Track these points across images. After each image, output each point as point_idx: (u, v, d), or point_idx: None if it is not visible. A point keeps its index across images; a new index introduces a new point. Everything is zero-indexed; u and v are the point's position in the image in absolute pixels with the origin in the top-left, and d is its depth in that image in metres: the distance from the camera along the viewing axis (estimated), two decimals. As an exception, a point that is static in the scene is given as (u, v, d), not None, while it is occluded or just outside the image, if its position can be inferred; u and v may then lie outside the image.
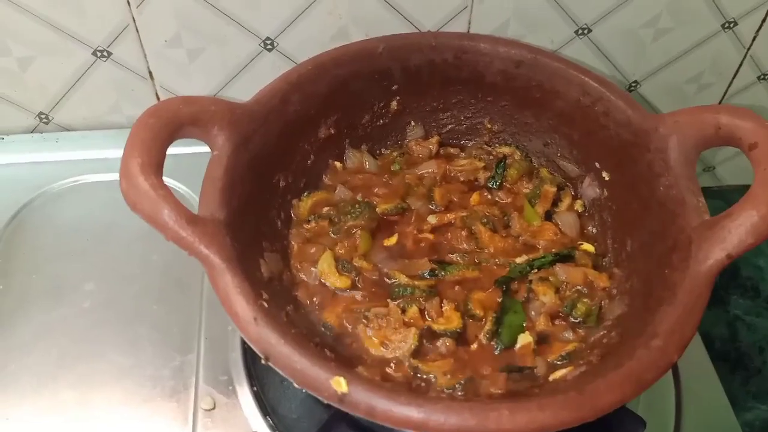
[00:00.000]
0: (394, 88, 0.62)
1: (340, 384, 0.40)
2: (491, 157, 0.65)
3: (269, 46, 0.69)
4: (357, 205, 0.58)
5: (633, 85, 0.78)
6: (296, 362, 0.41)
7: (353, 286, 0.55)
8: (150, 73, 0.71)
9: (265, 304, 0.44)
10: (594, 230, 0.59)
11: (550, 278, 0.55)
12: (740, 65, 0.77)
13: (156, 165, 0.44)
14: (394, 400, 0.40)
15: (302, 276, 0.55)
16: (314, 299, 0.54)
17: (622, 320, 0.50)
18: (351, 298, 0.54)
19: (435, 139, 0.65)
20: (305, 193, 0.59)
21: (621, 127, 0.56)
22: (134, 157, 0.44)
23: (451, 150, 0.66)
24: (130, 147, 0.44)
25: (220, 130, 0.50)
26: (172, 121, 0.47)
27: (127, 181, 0.43)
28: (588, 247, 0.58)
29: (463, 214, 0.60)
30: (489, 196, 0.62)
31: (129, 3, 0.64)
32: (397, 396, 0.40)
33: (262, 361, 0.42)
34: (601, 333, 0.51)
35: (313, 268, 0.55)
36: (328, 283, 0.55)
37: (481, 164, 0.64)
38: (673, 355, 0.43)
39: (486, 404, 0.40)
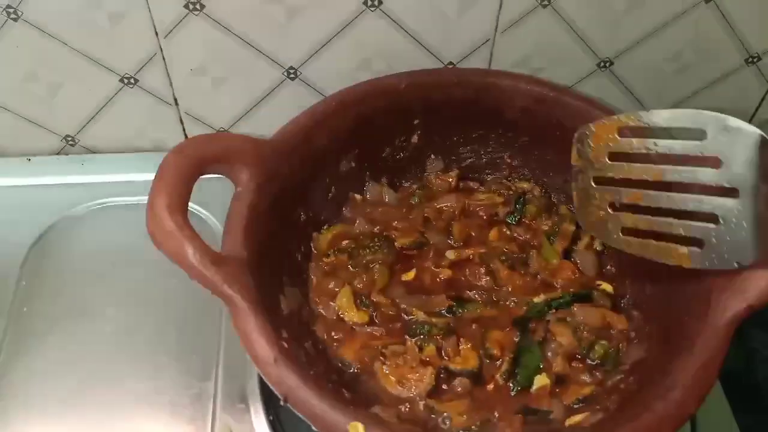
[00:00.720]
0: (415, 122, 0.62)
1: (357, 429, 0.41)
2: (511, 192, 0.65)
3: (292, 75, 0.70)
4: (376, 239, 0.59)
5: (654, 117, 0.78)
6: (315, 406, 0.42)
7: (371, 322, 0.55)
8: (175, 99, 0.72)
9: (285, 344, 0.45)
10: (613, 270, 0.59)
11: (568, 319, 0.55)
12: (762, 100, 0.77)
13: (182, 205, 0.45)
14: (412, 449, 0.40)
15: (321, 310, 0.56)
16: (332, 334, 0.54)
17: (641, 365, 0.50)
18: (369, 334, 0.54)
19: (455, 172, 0.65)
20: (325, 227, 0.60)
21: (642, 169, 0.56)
22: (161, 197, 0.45)
23: (471, 184, 0.66)
24: (156, 186, 0.45)
25: (245, 167, 0.51)
26: (198, 159, 0.48)
27: (154, 221, 0.44)
28: (607, 286, 0.58)
29: (482, 250, 0.60)
30: (508, 232, 0.62)
31: (157, 33, 0.65)
32: (415, 444, 0.41)
33: (281, 402, 0.43)
34: (619, 378, 0.51)
35: (331, 303, 0.56)
36: (346, 318, 0.55)
37: (501, 199, 0.64)
38: (691, 408, 0.43)
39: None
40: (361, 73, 0.71)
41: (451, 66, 0.71)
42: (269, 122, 0.73)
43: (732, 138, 0.44)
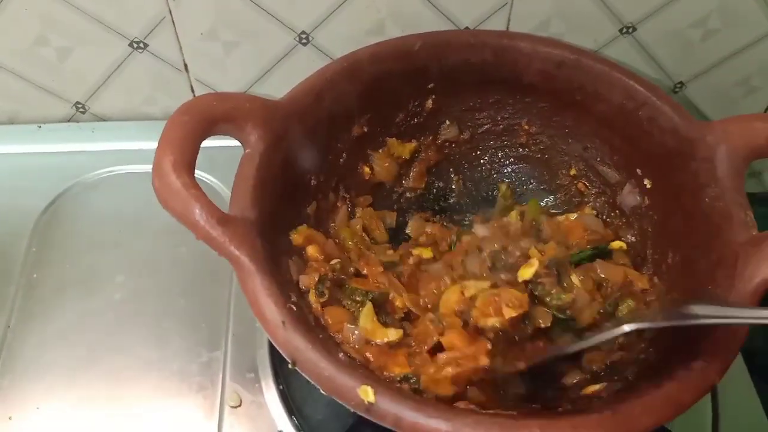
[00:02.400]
0: (429, 86, 0.60)
1: (367, 393, 0.40)
2: None
3: (304, 41, 0.69)
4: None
5: (678, 86, 0.76)
6: (323, 369, 0.41)
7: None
8: (185, 65, 0.71)
9: (294, 308, 0.44)
10: (633, 239, 0.58)
11: (591, 274, 0.53)
12: (790, 68, 0.74)
13: (188, 163, 0.44)
14: (422, 412, 0.39)
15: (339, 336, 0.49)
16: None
17: (661, 336, 0.49)
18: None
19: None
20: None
21: (666, 134, 0.54)
22: (167, 155, 0.43)
23: None
24: (163, 144, 0.44)
25: (254, 128, 0.49)
26: (206, 118, 0.46)
27: (159, 179, 0.43)
28: (620, 243, 0.57)
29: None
30: None
31: (166, -5, 0.64)
32: (425, 408, 0.39)
33: (290, 366, 0.42)
34: (640, 347, 0.49)
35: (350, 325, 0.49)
36: (378, 341, 0.48)
37: None
38: (714, 378, 0.41)
39: (516, 420, 0.39)
40: (374, 38, 0.68)
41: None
42: (280, 90, 0.72)
43: None
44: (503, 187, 0.65)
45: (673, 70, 0.74)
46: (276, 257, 0.47)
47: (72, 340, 0.59)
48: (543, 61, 0.58)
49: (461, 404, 0.44)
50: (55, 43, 0.67)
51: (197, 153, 0.45)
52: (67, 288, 0.62)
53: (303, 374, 0.42)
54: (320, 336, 0.43)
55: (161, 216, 0.45)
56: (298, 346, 0.41)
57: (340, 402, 0.41)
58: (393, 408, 0.39)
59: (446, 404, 0.42)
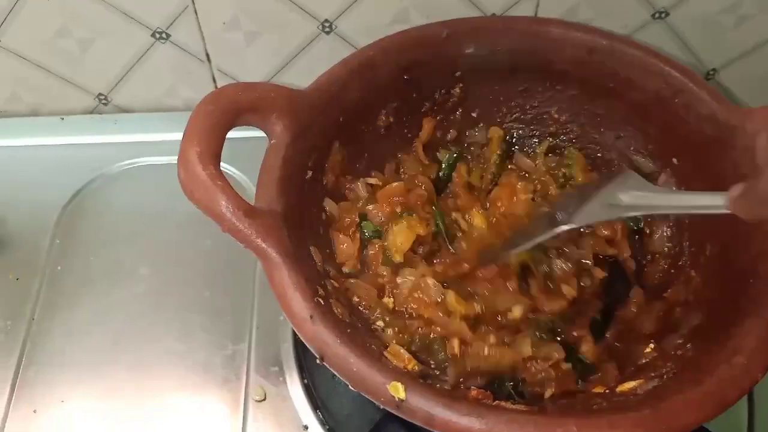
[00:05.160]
0: (457, 74, 0.59)
1: (397, 390, 0.39)
2: None
3: (327, 29, 0.67)
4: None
5: (711, 73, 0.74)
6: (352, 364, 0.40)
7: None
8: (207, 55, 0.70)
9: (321, 301, 0.43)
10: (668, 231, 0.56)
11: None
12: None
13: (214, 154, 0.43)
14: (455, 410, 0.38)
15: None
16: None
17: (699, 331, 0.47)
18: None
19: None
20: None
21: (704, 122, 0.52)
22: (193, 146, 0.43)
23: None
24: (188, 135, 0.43)
25: (279, 118, 0.48)
26: (231, 108, 0.46)
27: (185, 171, 0.42)
28: None
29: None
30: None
31: (188, -17, 0.63)
32: (457, 405, 0.38)
33: (318, 361, 0.41)
34: (676, 343, 0.47)
35: None
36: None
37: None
38: (756, 374, 0.40)
39: (553, 419, 0.38)
40: (398, 26, 0.67)
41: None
42: (303, 80, 0.71)
43: None
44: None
45: (706, 57, 0.72)
46: (301, 246, 0.47)
47: (96, 332, 0.59)
48: (574, 48, 0.56)
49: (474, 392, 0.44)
50: (76, 35, 0.67)
51: (223, 144, 0.44)
52: (91, 280, 0.62)
53: (331, 369, 0.41)
54: (348, 330, 0.42)
55: (184, 207, 0.44)
56: (326, 340, 0.40)
57: (369, 398, 0.40)
58: (424, 405, 0.38)
59: (479, 401, 0.41)
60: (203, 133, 0.43)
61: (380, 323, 0.51)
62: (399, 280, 0.52)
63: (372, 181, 0.57)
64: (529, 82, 0.60)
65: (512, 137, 0.63)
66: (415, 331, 0.51)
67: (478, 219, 0.56)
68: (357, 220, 0.55)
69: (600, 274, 0.55)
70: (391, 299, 0.52)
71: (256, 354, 0.58)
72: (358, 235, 0.54)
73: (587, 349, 0.50)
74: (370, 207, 0.55)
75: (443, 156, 0.61)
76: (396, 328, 0.50)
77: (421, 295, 0.51)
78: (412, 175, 0.58)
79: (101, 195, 0.68)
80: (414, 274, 0.52)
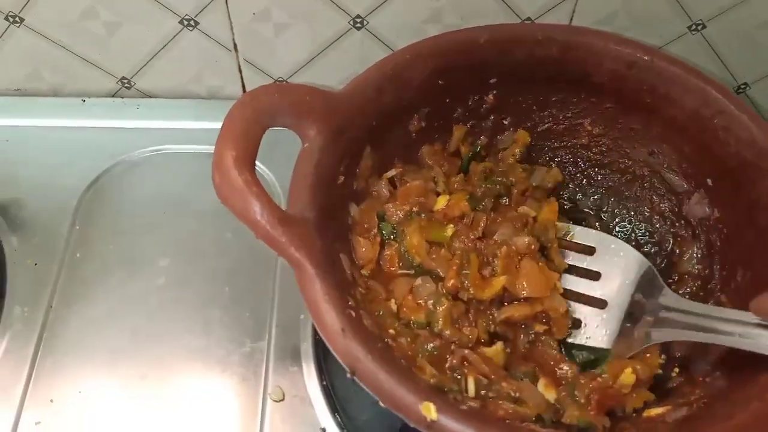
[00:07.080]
0: (491, 81, 0.58)
1: (429, 410, 0.38)
2: None
3: (358, 25, 0.66)
4: None
5: (742, 87, 0.73)
6: (383, 381, 0.39)
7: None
8: (235, 45, 0.68)
9: (352, 313, 0.42)
10: (699, 253, 0.55)
11: None
12: None
13: (250, 158, 0.42)
14: (486, 433, 0.38)
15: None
16: None
17: (728, 360, 0.47)
18: None
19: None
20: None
21: (742, 145, 0.51)
22: (228, 149, 0.42)
23: None
24: (224, 138, 0.42)
25: (313, 122, 0.47)
26: (267, 111, 0.45)
27: (221, 175, 0.41)
28: None
29: None
30: None
31: (220, -28, 0.62)
32: (489, 428, 0.38)
33: (348, 376, 0.41)
34: (704, 369, 0.47)
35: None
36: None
37: None
38: (791, 412, 0.40)
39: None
40: (431, 25, 0.66)
41: (529, 21, 0.66)
42: (329, 74, 0.70)
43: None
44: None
45: (738, 70, 0.71)
46: (332, 254, 0.46)
47: (114, 323, 0.59)
48: (614, 61, 0.55)
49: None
50: (103, 17, 0.66)
51: (258, 147, 0.43)
52: (110, 269, 0.62)
53: (362, 385, 0.40)
54: (378, 345, 0.42)
55: (206, 198, 0.43)
56: (357, 355, 0.40)
57: (399, 416, 0.39)
58: (456, 427, 0.38)
59: (509, 424, 0.40)
60: (239, 136, 0.42)
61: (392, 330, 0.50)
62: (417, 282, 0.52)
63: (391, 173, 0.56)
64: (565, 93, 0.59)
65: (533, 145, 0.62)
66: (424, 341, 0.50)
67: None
68: (376, 220, 0.54)
69: None
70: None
71: (275, 353, 0.58)
72: (378, 239, 0.53)
73: None
74: (389, 205, 0.54)
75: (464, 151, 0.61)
76: (408, 338, 0.50)
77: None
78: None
79: (121, 181, 0.67)
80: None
